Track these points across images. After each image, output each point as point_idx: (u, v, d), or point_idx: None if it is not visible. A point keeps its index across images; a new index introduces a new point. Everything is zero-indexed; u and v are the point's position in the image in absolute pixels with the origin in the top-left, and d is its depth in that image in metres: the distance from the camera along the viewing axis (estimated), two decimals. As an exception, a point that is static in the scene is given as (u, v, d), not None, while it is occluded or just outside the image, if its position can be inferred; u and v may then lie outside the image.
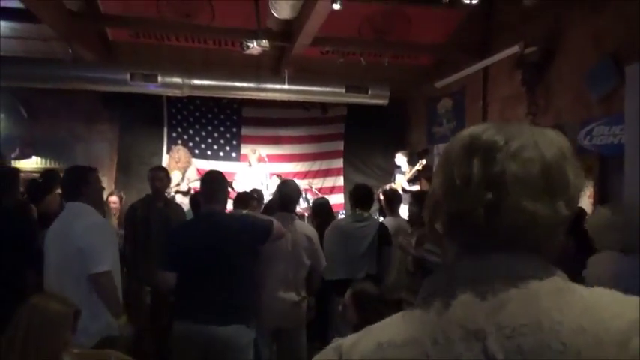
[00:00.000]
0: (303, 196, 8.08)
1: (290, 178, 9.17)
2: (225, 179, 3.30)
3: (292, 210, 3.76)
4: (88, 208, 2.94)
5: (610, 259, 2.73)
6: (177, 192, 7.38)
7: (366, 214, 4.39)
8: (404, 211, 5.92)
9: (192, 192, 7.13)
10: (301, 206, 7.68)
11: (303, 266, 3.58)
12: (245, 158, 9.07)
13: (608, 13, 4.87)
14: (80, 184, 2.98)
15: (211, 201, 3.04)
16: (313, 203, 5.56)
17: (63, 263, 2.79)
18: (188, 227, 3.12)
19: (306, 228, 3.87)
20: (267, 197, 6.68)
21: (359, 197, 4.51)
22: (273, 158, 8.86)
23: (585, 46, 5.17)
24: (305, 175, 9.53)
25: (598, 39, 5.01)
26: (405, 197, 7.35)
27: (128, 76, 7.05)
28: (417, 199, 4.53)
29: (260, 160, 8.10)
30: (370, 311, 2.50)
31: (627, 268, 2.62)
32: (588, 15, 5.13)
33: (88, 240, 2.77)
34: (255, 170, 7.95)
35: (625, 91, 4.33)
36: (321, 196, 8.60)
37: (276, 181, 8.50)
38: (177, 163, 7.86)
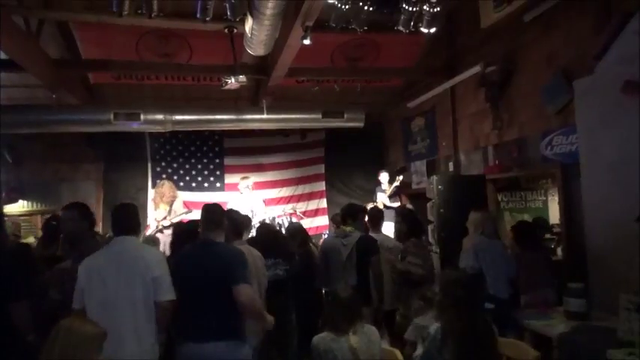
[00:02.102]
0: (288, 220, 8.33)
1: (274, 203, 9.65)
2: (223, 210, 3.57)
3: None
4: (139, 241, 3.23)
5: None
6: (162, 227, 7.56)
7: (348, 229, 4.66)
8: (387, 227, 6.22)
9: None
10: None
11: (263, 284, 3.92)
12: (231, 187, 9.31)
13: (559, 34, 5.32)
14: (134, 219, 3.25)
15: (208, 230, 3.31)
16: (287, 227, 5.79)
17: (132, 293, 2.96)
18: (187, 256, 3.32)
19: (255, 251, 4.09)
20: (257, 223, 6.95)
21: (342, 214, 4.86)
22: (257, 185, 9.13)
23: (540, 63, 5.62)
24: (289, 199, 9.81)
25: (551, 57, 5.46)
26: (387, 213, 7.70)
27: (111, 116, 7.29)
28: (402, 215, 4.86)
29: (253, 187, 8.35)
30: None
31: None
32: (541, 36, 5.58)
33: (162, 269, 3.04)
34: (246, 198, 8.19)
35: (575, 103, 4.76)
36: (303, 219, 8.93)
37: (273, 209, 8.79)
38: (162, 197, 8.04)
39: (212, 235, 3.35)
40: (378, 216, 5.30)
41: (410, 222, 4.82)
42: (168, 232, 7.30)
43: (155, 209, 8.03)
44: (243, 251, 3.39)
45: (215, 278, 3.08)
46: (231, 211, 4.40)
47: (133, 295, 2.97)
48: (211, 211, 3.44)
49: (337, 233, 4.78)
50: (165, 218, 7.69)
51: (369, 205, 7.56)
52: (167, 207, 7.83)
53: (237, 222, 4.10)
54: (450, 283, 2.99)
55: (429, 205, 6.34)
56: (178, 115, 7.77)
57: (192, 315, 3.11)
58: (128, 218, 3.24)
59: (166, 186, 8.12)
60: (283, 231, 7.88)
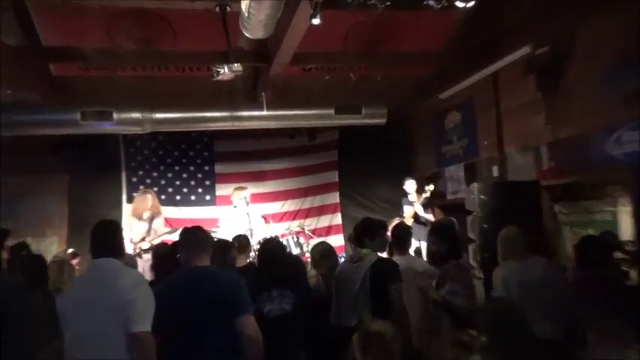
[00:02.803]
0: (295, 240, 8.33)
1: (277, 220, 9.63)
2: (207, 235, 3.60)
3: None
4: (120, 264, 3.26)
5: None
6: (140, 251, 7.57)
7: (363, 251, 4.67)
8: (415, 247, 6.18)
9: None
10: (293, 252, 7.92)
11: None
12: (223, 200, 9.36)
13: (623, 8, 5.25)
14: (116, 238, 3.35)
15: (192, 260, 3.36)
16: (313, 249, 5.71)
17: (106, 325, 3.03)
18: (178, 282, 3.36)
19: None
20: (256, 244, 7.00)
21: (356, 233, 4.81)
22: (255, 198, 9.18)
23: (602, 42, 5.57)
24: (295, 215, 9.83)
25: (615, 35, 5.41)
26: (417, 230, 7.66)
27: (78, 116, 7.35)
28: (438, 233, 4.79)
29: (251, 200, 8.36)
30: None
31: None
32: (602, 9, 5.52)
33: (139, 293, 3.08)
34: (241, 213, 8.22)
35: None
36: (314, 238, 8.92)
37: (276, 227, 8.78)
38: (141, 211, 8.02)
39: (197, 261, 3.39)
40: (404, 234, 5.22)
41: (451, 239, 4.76)
42: (148, 256, 7.31)
43: (130, 229, 8.03)
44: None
45: (215, 308, 3.14)
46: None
47: (107, 327, 3.04)
48: (192, 233, 3.49)
49: (351, 257, 4.74)
50: (143, 240, 7.69)
51: (395, 221, 7.53)
52: (147, 225, 7.84)
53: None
54: (497, 318, 2.93)
55: (468, 219, 6.31)
56: (159, 113, 7.81)
57: (187, 351, 3.14)
58: (108, 237, 3.33)
59: (149, 196, 8.12)
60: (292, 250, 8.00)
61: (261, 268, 4.55)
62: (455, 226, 5.86)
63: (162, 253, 4.46)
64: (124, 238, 7.52)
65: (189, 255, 3.41)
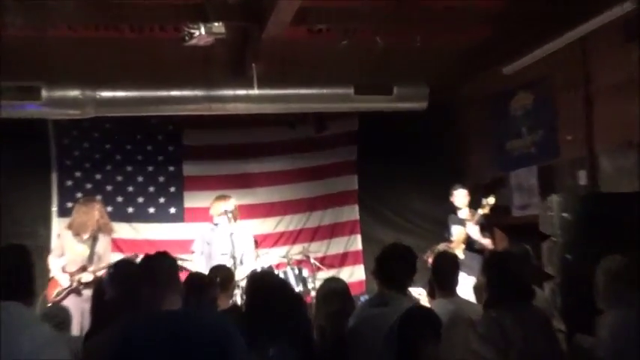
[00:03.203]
0: (295, 272, 8.29)
1: (271, 243, 9.59)
2: (176, 265, 3.55)
3: None
4: (28, 313, 3.23)
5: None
6: (79, 285, 7.53)
7: (394, 294, 4.60)
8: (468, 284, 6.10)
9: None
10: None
11: None
12: (195, 215, 9.39)
13: None
14: (21, 274, 3.30)
15: (157, 300, 3.29)
16: (320, 289, 5.67)
17: None
18: (127, 345, 3.25)
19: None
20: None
21: (378, 265, 4.76)
22: (240, 211, 9.03)
23: None
24: (296, 236, 9.87)
25: None
26: (470, 260, 7.58)
27: (-8, 93, 7.40)
28: (500, 267, 4.72)
29: (238, 215, 8.28)
30: None
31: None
32: None
33: None
34: (223, 233, 8.11)
35: None
36: (323, 270, 8.90)
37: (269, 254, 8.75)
38: (81, 230, 7.94)
39: (166, 303, 3.35)
40: (450, 268, 5.19)
41: (520, 275, 4.73)
42: (89, 292, 7.27)
43: (60, 253, 7.96)
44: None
45: None
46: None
47: None
48: (158, 261, 3.44)
49: (371, 300, 4.70)
50: (84, 269, 7.65)
51: (439, 247, 7.47)
52: (88, 248, 7.80)
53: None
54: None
55: (544, 246, 6.27)
56: (106, 91, 7.84)
57: None
58: (11, 274, 3.28)
59: (96, 208, 8.05)
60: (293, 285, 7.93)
61: (251, 314, 4.50)
62: (529, 257, 5.83)
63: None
64: (52, 267, 7.37)
65: (155, 293, 3.33)
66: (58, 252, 7.86)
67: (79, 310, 6.86)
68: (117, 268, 4.19)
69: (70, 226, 8.01)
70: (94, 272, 7.57)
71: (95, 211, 7.97)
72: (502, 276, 4.74)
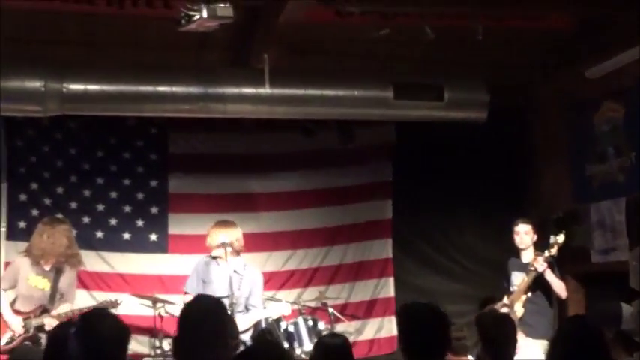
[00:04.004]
0: (309, 325, 8.24)
1: (278, 285, 9.53)
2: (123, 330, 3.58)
3: None
4: None
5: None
6: (33, 333, 7.54)
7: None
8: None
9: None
10: (305, 348, 7.90)
11: None
12: (181, 245, 9.38)
13: None
14: None
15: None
16: (317, 345, 5.67)
17: None
18: None
19: None
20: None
21: (401, 328, 4.71)
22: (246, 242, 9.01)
23: None
24: (310, 277, 9.82)
25: None
26: (527, 316, 7.45)
27: None
28: (574, 339, 4.64)
29: (237, 247, 8.14)
30: None
31: None
32: None
33: None
34: (223, 271, 7.99)
35: None
36: (345, 321, 8.84)
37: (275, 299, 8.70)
38: (42, 258, 7.91)
39: None
40: (503, 333, 5.21)
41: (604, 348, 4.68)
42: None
43: (9, 286, 7.94)
44: None
45: None
46: None
47: None
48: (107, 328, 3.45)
49: None
50: (44, 311, 7.63)
51: (503, 304, 7.42)
52: (48, 281, 7.78)
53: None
54: None
55: (635, 306, 6.20)
56: (74, 83, 7.84)
57: None
58: None
59: (63, 234, 8.00)
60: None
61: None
62: (619, 318, 5.77)
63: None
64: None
65: None
66: (8, 284, 7.82)
67: None
68: (88, 322, 4.15)
69: (28, 253, 8.00)
70: (58, 317, 7.56)
71: (64, 238, 7.96)
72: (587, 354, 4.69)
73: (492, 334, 5.14)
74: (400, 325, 4.72)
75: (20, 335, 7.51)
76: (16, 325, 7.51)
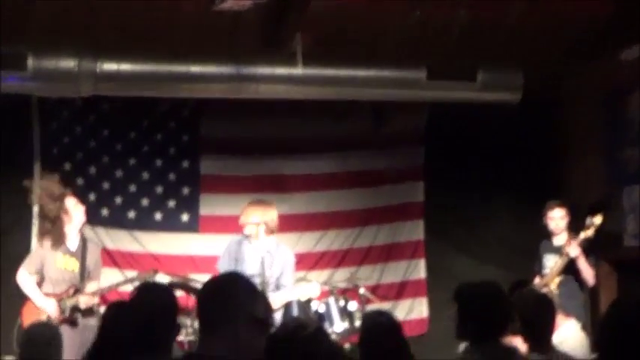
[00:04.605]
0: (340, 305, 8.24)
1: (309, 266, 9.56)
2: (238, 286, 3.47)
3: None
4: None
5: None
6: (69, 314, 7.57)
7: (499, 346, 4.58)
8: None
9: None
10: (336, 329, 7.93)
11: None
12: (213, 225, 9.43)
13: None
14: None
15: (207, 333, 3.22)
16: (363, 323, 5.61)
17: None
18: None
19: None
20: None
21: (466, 313, 4.67)
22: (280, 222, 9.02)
23: None
24: (341, 258, 9.84)
25: None
26: (568, 299, 7.41)
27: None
28: (613, 324, 4.57)
29: (271, 227, 8.08)
30: None
31: None
32: None
33: None
34: (255, 251, 8.01)
35: None
36: (375, 302, 8.83)
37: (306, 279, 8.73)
38: (62, 237, 7.93)
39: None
40: (541, 314, 5.21)
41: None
42: (91, 322, 7.26)
43: (36, 269, 7.93)
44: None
45: None
46: None
47: None
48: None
49: (475, 351, 4.62)
50: (77, 291, 7.65)
51: (536, 282, 7.36)
52: (76, 260, 7.76)
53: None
54: None
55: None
56: (108, 63, 7.87)
57: None
58: None
59: (67, 202, 7.97)
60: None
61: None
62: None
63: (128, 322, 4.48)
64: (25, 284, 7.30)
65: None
66: (34, 268, 7.84)
67: (75, 345, 6.76)
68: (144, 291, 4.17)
69: (46, 234, 8.05)
70: (93, 294, 7.64)
71: (75, 206, 8.02)
72: (623, 338, 4.62)
73: (532, 315, 5.12)
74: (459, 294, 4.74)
75: (55, 318, 7.48)
76: (51, 308, 7.54)
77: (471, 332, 4.61)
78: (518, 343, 5.27)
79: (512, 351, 4.62)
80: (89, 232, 8.71)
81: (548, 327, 5.17)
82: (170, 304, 3.65)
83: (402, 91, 8.49)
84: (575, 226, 8.38)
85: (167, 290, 4.34)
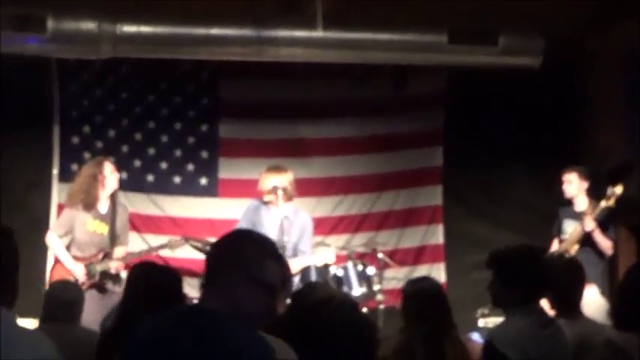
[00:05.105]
0: (358, 269, 8.24)
1: (327, 230, 9.54)
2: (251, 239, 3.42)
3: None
4: (11, 320, 3.20)
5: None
6: (97, 279, 7.60)
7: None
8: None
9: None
10: (355, 292, 7.94)
11: None
12: (232, 189, 9.45)
13: None
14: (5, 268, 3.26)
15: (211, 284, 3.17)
16: (406, 288, 5.56)
17: None
18: (153, 341, 3.22)
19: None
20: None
21: (507, 278, 4.65)
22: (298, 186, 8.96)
23: None
24: (360, 223, 9.85)
25: None
26: (587, 264, 7.42)
27: (-15, 23, 7.47)
28: (630, 284, 4.58)
29: (288, 193, 8.05)
30: None
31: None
32: None
33: None
34: (274, 216, 8.05)
35: None
36: (394, 267, 8.90)
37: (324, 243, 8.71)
38: (95, 200, 7.93)
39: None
40: (571, 279, 5.20)
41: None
42: (118, 289, 7.29)
43: (64, 232, 7.94)
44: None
45: None
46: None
47: None
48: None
49: (541, 319, 4.63)
50: (106, 255, 7.67)
51: (554, 246, 7.34)
52: (105, 225, 7.77)
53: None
54: None
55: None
56: (128, 25, 7.85)
57: None
58: None
59: (109, 167, 7.97)
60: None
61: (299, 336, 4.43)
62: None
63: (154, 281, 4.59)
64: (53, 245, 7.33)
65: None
66: (63, 230, 7.84)
67: (98, 312, 6.65)
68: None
69: (73, 197, 8.03)
70: (123, 259, 7.71)
71: (109, 173, 7.95)
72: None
73: (563, 280, 5.10)
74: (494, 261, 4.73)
75: (83, 283, 7.46)
76: (80, 272, 7.53)
77: (512, 298, 4.60)
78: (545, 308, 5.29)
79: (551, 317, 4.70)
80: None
81: (578, 293, 5.17)
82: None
83: (423, 55, 8.41)
84: (596, 192, 8.34)
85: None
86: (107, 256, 7.70)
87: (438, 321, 5.10)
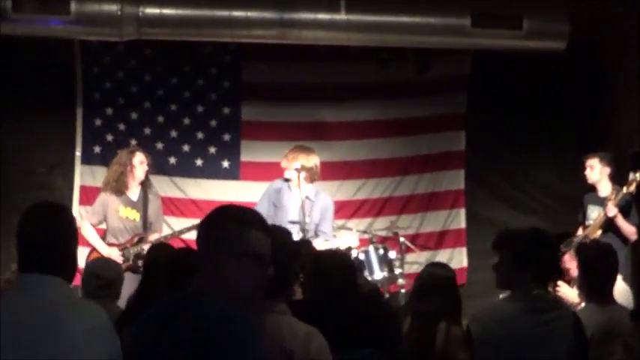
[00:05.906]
0: (379, 253, 8.22)
1: (349, 214, 9.52)
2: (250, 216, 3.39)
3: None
4: (68, 290, 3.24)
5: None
6: (133, 261, 7.68)
7: (548, 296, 4.55)
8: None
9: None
10: (376, 277, 7.92)
11: None
12: (253, 172, 9.44)
13: None
14: (62, 242, 3.28)
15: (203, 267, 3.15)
16: (425, 271, 5.54)
17: None
18: (155, 325, 3.21)
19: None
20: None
21: (534, 255, 4.60)
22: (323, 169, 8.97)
23: None
24: (381, 207, 9.82)
25: None
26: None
27: (8, 4, 7.42)
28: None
29: (312, 174, 7.92)
30: None
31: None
32: None
33: (99, 351, 3.09)
34: (295, 197, 7.91)
35: None
36: (416, 252, 8.89)
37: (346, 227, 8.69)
38: (126, 187, 7.95)
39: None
40: (604, 264, 5.11)
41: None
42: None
43: (99, 220, 7.96)
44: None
45: None
46: None
47: None
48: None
49: (532, 302, 4.55)
50: (140, 240, 7.72)
51: (579, 235, 7.28)
52: (138, 211, 7.80)
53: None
54: None
55: None
56: (151, 7, 7.84)
57: None
58: (47, 239, 3.27)
59: (136, 156, 8.00)
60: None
61: (316, 309, 4.41)
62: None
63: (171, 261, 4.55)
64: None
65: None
66: (97, 218, 7.96)
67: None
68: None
69: (108, 182, 8.07)
70: (150, 239, 7.81)
71: (140, 163, 8.03)
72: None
73: (596, 265, 5.07)
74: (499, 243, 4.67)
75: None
76: (115, 255, 7.59)
77: (520, 279, 4.56)
78: (568, 291, 5.22)
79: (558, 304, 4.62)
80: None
81: (611, 279, 5.11)
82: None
83: (446, 39, 8.37)
84: (619, 178, 8.26)
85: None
86: (142, 240, 7.79)
87: (440, 306, 5.05)
